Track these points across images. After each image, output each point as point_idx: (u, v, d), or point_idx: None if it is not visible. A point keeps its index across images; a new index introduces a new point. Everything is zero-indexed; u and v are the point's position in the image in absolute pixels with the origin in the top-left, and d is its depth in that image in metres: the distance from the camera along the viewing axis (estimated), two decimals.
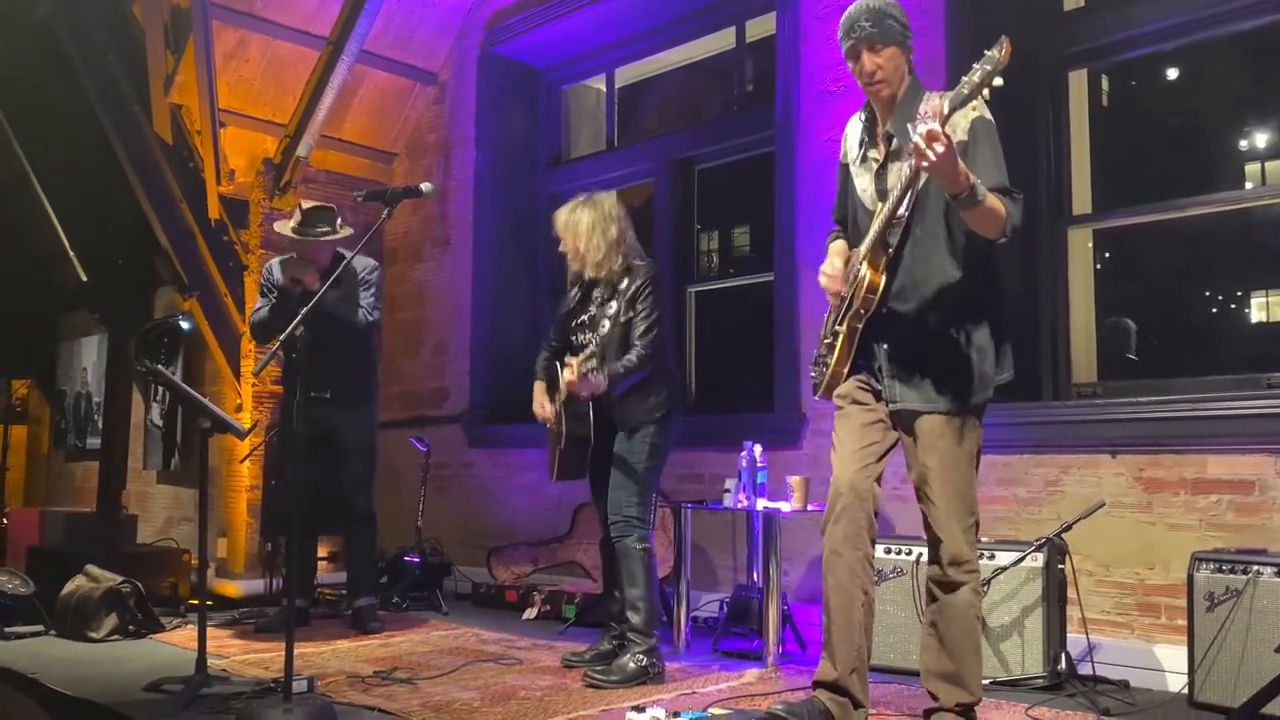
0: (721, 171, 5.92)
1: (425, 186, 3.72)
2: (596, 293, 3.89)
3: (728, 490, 4.24)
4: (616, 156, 6.27)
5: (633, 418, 3.76)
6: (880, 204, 2.81)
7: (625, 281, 3.79)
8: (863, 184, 2.93)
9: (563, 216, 3.86)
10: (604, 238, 3.78)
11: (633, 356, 3.71)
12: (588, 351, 3.56)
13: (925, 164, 2.50)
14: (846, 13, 2.82)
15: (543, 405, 3.97)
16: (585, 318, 3.89)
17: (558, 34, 6.19)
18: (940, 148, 2.46)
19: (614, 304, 3.75)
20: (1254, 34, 4.05)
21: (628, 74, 6.45)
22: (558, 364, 3.93)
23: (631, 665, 3.58)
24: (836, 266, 2.93)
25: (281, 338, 3.36)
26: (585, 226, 3.79)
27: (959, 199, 2.57)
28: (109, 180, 6.83)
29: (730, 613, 4.28)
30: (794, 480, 4.08)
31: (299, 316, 3.35)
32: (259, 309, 4.73)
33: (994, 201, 2.61)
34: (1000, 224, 2.65)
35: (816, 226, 4.58)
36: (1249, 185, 4.43)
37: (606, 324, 3.69)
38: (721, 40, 5.86)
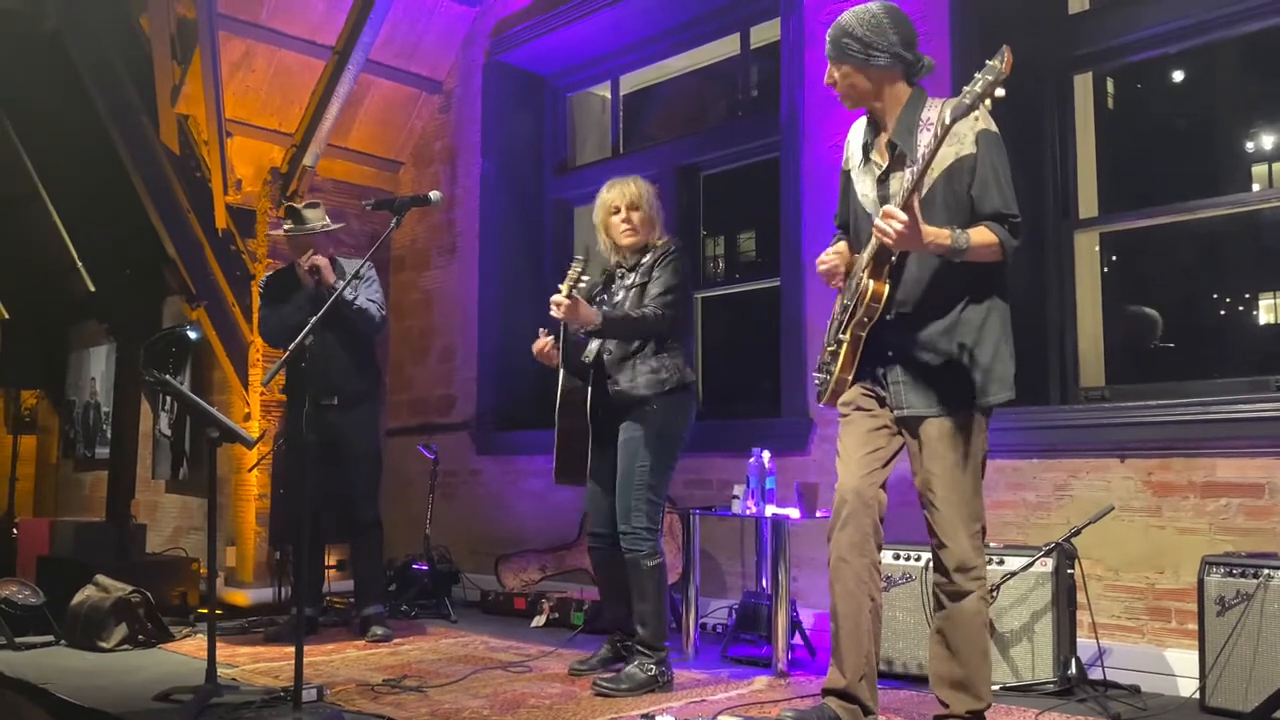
0: (727, 177, 5.93)
1: (434, 195, 3.73)
2: (619, 275, 3.86)
3: (736, 496, 4.23)
4: (622, 163, 6.26)
5: (630, 391, 3.63)
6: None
7: (649, 256, 3.77)
8: (864, 189, 2.93)
9: (631, 185, 3.80)
10: (656, 208, 3.81)
11: (633, 311, 3.62)
12: (576, 269, 3.50)
13: (889, 242, 2.59)
14: None
15: (543, 344, 3.80)
16: (605, 295, 3.85)
17: (563, 41, 6.20)
18: (898, 225, 2.55)
19: (633, 275, 3.75)
20: (1260, 35, 4.04)
21: (633, 80, 6.46)
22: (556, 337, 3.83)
23: (640, 674, 3.57)
24: (830, 253, 2.98)
25: (290, 347, 3.38)
26: (648, 192, 3.79)
27: (944, 256, 2.66)
28: (116, 190, 6.85)
29: (739, 619, 4.27)
30: (802, 486, 4.08)
31: (309, 326, 3.37)
32: (267, 312, 4.84)
33: (982, 239, 2.67)
34: (996, 255, 2.71)
35: (822, 231, 4.57)
36: (1256, 187, 4.42)
37: (622, 294, 3.68)
38: (726, 46, 5.87)
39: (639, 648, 3.66)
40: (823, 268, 2.99)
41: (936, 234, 2.62)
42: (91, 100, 6.72)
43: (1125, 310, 4.40)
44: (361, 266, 4.12)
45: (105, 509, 7.55)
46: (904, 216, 2.56)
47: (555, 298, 3.52)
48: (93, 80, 6.70)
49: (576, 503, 5.22)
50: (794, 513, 4.04)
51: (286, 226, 4.76)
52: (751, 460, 4.18)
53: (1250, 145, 4.54)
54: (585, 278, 3.54)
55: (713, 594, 4.89)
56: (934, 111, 2.77)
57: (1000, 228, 2.70)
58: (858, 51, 2.79)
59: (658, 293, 3.66)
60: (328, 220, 4.80)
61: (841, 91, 2.89)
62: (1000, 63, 2.41)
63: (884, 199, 2.82)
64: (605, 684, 3.55)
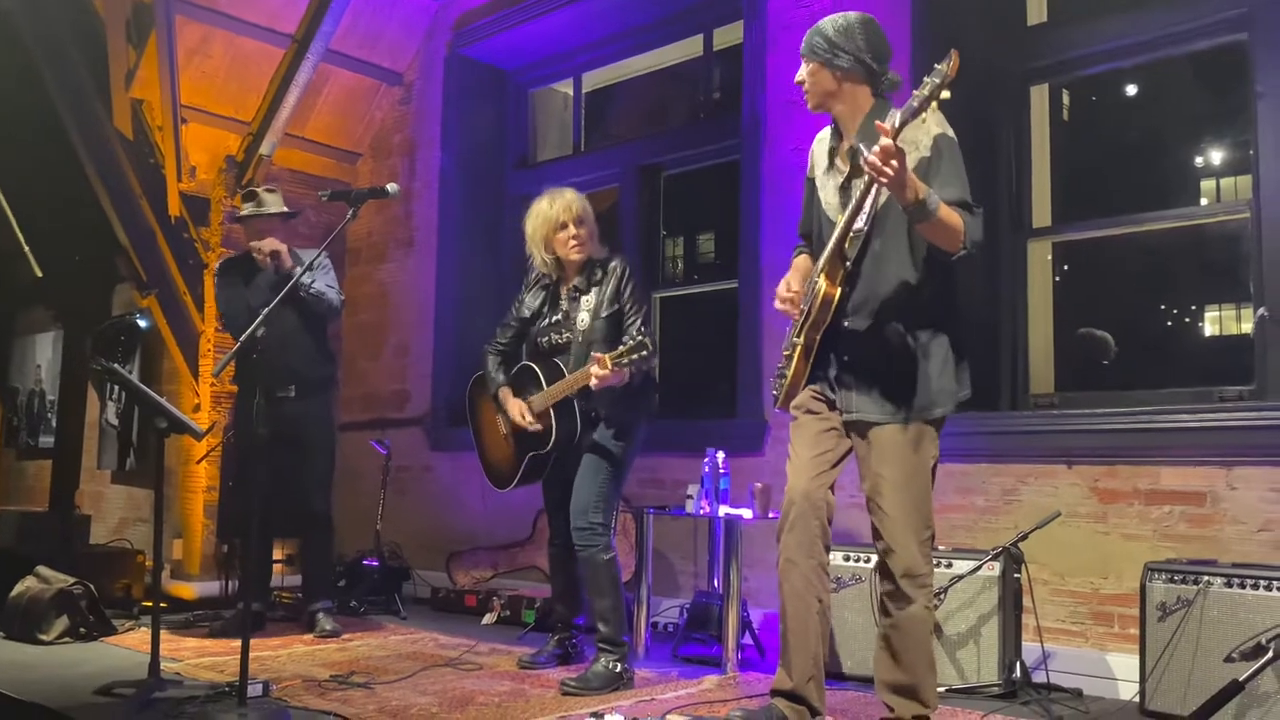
0: (688, 178, 5.94)
1: (391, 187, 3.72)
2: (564, 291, 3.88)
3: (690, 496, 4.24)
4: (583, 161, 6.27)
5: (621, 412, 3.73)
6: (841, 217, 2.83)
7: (599, 274, 3.78)
8: (827, 197, 2.96)
9: (574, 198, 3.79)
10: (594, 220, 3.82)
11: (635, 350, 3.60)
12: (630, 344, 3.43)
13: (883, 179, 2.51)
14: None
15: (523, 414, 3.82)
16: (558, 317, 3.87)
17: (526, 37, 6.18)
18: (896, 163, 2.48)
19: (591, 297, 3.75)
20: (1211, 53, 4.12)
21: (595, 78, 6.45)
22: (536, 367, 3.87)
23: (607, 671, 3.59)
24: (794, 289, 2.95)
25: (242, 339, 3.34)
26: (587, 205, 3.81)
27: (911, 211, 2.59)
28: (67, 175, 6.72)
29: (690, 619, 4.28)
30: (756, 487, 4.10)
31: (260, 316, 3.33)
32: (230, 294, 4.73)
33: (949, 214, 2.62)
34: (957, 237, 2.66)
35: (781, 234, 4.60)
36: (1204, 201, 4.51)
37: (585, 317, 3.68)
38: (689, 47, 5.87)
39: (602, 645, 3.66)
40: (780, 304, 2.96)
41: (916, 183, 2.57)
42: (42, 81, 6.58)
43: (1079, 333, 4.45)
44: (316, 257, 4.06)
45: (49, 499, 7.42)
46: (898, 152, 2.48)
47: (599, 370, 3.46)
48: (44, 61, 6.57)
49: (530, 501, 5.21)
50: (747, 513, 4.06)
51: (245, 209, 4.69)
52: (706, 461, 4.19)
53: (1199, 160, 4.63)
54: (645, 365, 3.50)
55: (665, 593, 4.90)
56: (889, 121, 2.80)
57: (965, 213, 2.68)
58: (824, 50, 2.85)
59: (641, 323, 3.70)
60: (285, 207, 4.74)
61: (807, 88, 2.93)
62: (946, 66, 2.46)
63: (846, 205, 2.84)
64: (574, 685, 3.54)
